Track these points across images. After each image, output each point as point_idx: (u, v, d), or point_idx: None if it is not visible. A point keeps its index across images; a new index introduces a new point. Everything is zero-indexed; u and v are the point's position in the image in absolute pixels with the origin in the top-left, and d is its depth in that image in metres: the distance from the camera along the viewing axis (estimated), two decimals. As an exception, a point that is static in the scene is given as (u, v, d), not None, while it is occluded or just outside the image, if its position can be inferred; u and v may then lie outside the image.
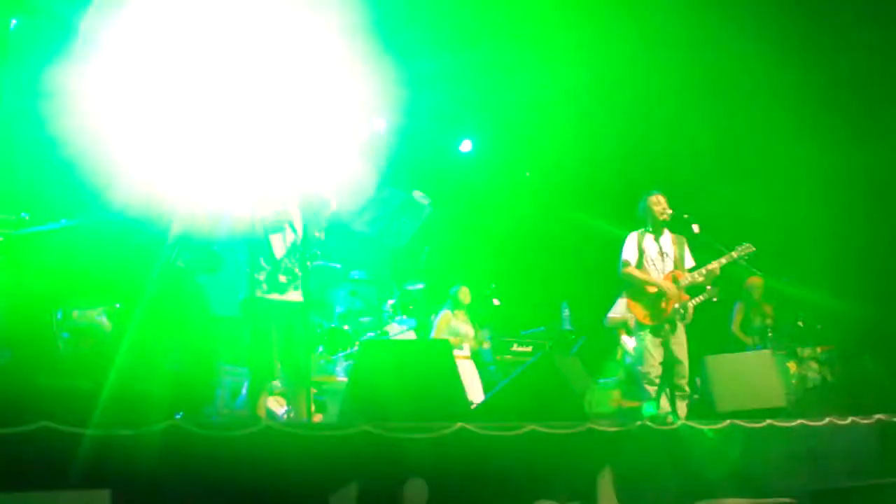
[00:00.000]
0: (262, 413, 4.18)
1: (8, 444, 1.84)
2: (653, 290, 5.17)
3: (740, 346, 6.95)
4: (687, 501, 3.29)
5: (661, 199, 5.29)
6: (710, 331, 5.53)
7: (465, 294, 6.91)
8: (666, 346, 5.12)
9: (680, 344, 5.14)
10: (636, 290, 5.22)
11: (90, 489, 1.93)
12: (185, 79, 5.06)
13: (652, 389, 4.95)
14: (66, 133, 4.73)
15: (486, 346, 6.90)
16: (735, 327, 7.22)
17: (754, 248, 5.26)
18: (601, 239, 6.44)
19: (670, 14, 6.84)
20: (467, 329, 6.82)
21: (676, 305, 5.16)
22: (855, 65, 7.14)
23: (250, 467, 2.22)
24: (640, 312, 5.12)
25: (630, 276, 5.22)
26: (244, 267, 4.25)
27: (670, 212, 5.26)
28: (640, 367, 5.14)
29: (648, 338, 5.06)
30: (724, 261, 5.24)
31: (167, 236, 4.24)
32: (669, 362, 5.09)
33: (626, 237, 5.36)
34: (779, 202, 7.49)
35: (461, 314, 6.88)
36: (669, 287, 5.15)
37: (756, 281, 6.74)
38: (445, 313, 6.83)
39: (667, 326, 5.14)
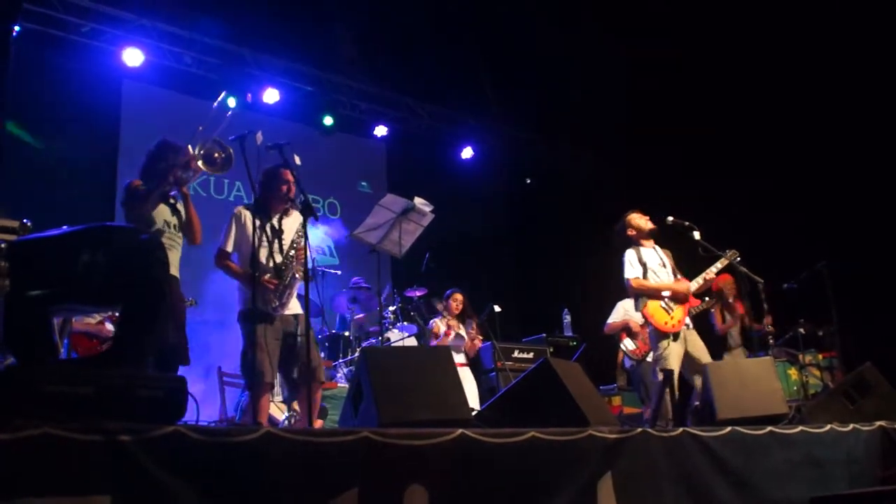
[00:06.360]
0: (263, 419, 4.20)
1: (9, 450, 1.84)
2: (666, 295, 5.20)
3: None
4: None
5: (642, 214, 5.41)
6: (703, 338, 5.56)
7: (456, 300, 6.89)
8: (687, 351, 5.15)
9: (699, 347, 5.18)
10: (650, 300, 5.24)
11: (91, 495, 1.93)
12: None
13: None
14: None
15: (479, 342, 6.85)
16: (721, 327, 7.27)
17: (738, 253, 5.35)
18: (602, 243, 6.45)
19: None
20: (458, 335, 6.79)
21: (691, 310, 5.21)
22: None
23: (251, 473, 2.22)
24: (659, 321, 5.13)
25: (641, 287, 5.24)
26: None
27: (653, 224, 5.37)
28: (655, 370, 5.15)
29: (673, 345, 5.07)
30: (720, 265, 5.33)
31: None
32: (688, 367, 5.11)
33: (623, 257, 5.40)
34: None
35: (452, 321, 6.86)
36: (683, 290, 5.19)
37: (728, 278, 6.87)
38: (435, 321, 6.82)
39: (685, 330, 5.18)
